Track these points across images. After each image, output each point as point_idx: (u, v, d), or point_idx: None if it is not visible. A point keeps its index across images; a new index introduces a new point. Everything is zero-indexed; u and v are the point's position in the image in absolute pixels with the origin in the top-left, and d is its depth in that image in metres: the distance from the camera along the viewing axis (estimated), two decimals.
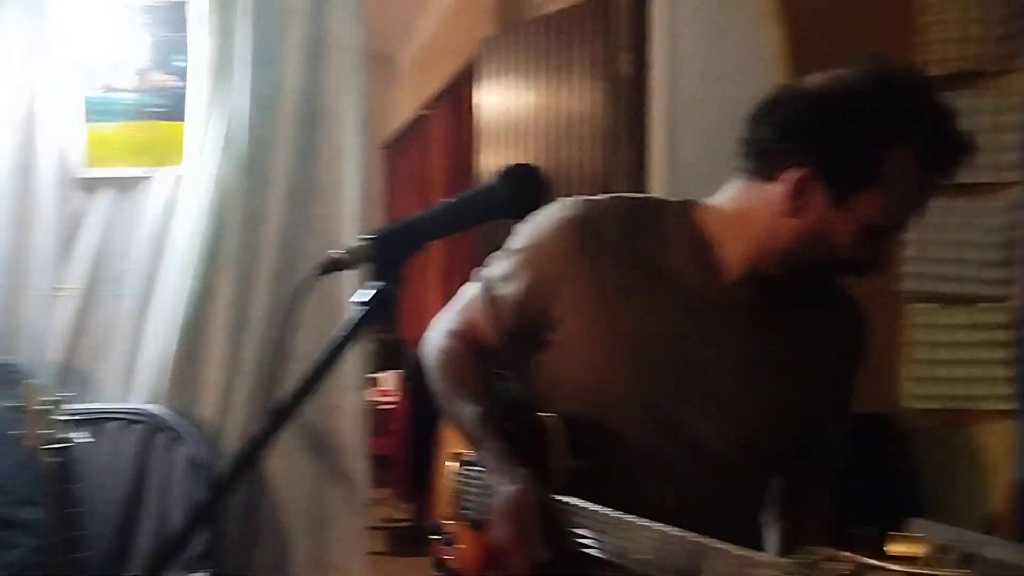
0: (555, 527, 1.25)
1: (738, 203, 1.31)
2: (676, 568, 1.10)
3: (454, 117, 5.58)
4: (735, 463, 1.33)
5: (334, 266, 0.98)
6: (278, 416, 0.95)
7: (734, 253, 1.31)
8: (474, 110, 4.23)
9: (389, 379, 5.28)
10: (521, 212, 1.07)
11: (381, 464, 2.81)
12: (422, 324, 1.58)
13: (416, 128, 6.78)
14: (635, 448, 1.32)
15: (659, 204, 1.42)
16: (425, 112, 6.43)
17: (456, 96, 5.48)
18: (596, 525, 1.22)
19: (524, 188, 1.05)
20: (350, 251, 0.97)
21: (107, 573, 2.29)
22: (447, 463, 1.55)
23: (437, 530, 1.55)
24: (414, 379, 3.31)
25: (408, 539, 4.52)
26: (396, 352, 4.88)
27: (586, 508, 1.24)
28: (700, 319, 1.32)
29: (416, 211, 1.06)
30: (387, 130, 7.35)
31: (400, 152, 7.37)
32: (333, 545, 2.59)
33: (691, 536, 1.10)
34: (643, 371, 1.32)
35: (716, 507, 1.28)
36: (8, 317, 2.52)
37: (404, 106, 7.04)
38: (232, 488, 0.93)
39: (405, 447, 4.38)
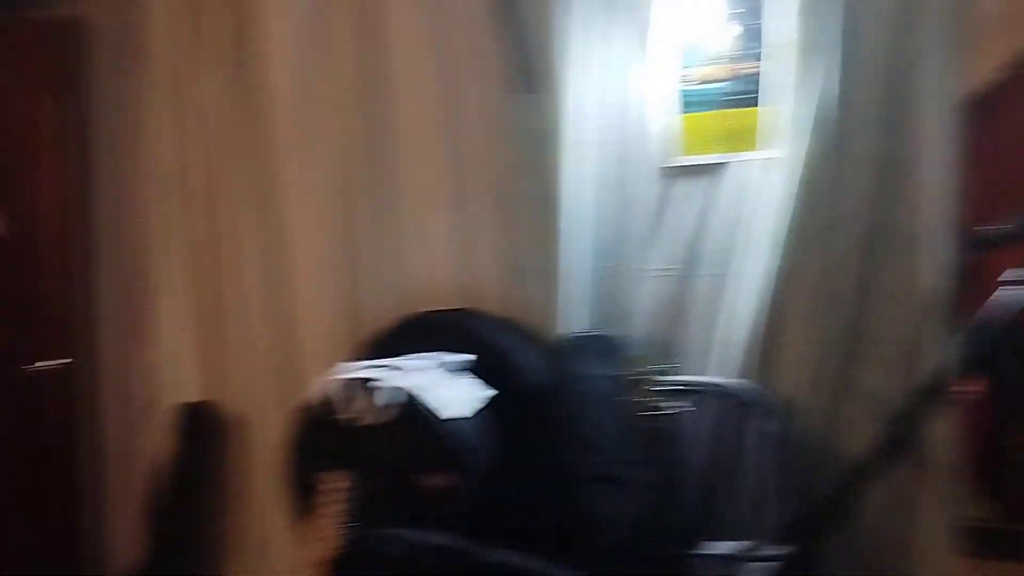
0: None
1: None
2: None
3: None
4: None
5: (988, 242, 0.91)
6: (925, 399, 0.91)
7: None
8: None
9: None
10: None
11: (963, 458, 2.60)
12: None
13: (1000, 90, 6.13)
14: None
15: None
16: (1013, 72, 5.77)
17: None
18: None
19: None
20: (1015, 225, 0.90)
21: (693, 536, 2.39)
22: None
23: None
24: (1000, 368, 3.00)
25: (991, 541, 4.13)
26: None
27: None
28: None
29: (1000, 183, 0.95)
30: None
31: (978, 118, 6.73)
32: (919, 536, 2.50)
33: None
34: None
35: None
36: (609, 296, 2.78)
37: (983, 67, 6.40)
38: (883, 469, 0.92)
39: (986, 441, 4.03)
